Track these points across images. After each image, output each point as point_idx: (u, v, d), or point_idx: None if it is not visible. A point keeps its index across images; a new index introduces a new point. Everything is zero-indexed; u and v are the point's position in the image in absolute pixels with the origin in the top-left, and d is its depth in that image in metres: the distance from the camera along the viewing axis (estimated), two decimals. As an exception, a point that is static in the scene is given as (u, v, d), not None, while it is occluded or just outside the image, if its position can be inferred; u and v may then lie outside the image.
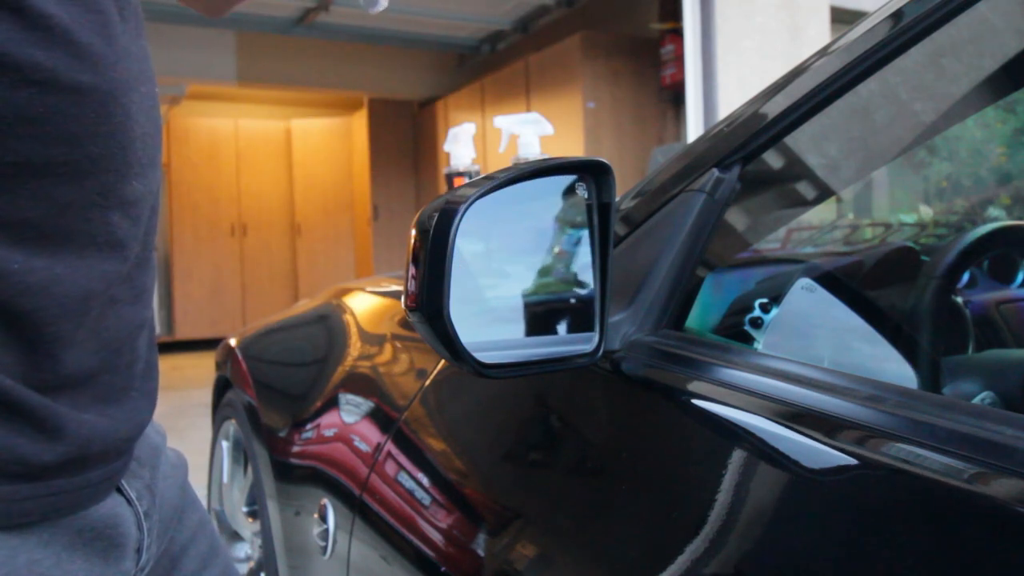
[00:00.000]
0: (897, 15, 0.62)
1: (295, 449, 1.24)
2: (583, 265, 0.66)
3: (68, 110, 0.45)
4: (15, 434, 0.46)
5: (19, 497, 0.46)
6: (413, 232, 0.57)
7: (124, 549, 0.55)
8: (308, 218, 8.16)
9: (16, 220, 0.45)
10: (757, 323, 0.76)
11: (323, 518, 1.05)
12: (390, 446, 0.96)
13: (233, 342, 1.72)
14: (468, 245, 0.58)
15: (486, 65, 6.68)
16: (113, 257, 0.50)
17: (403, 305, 0.59)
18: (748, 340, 0.76)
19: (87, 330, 0.49)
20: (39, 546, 0.48)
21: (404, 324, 1.16)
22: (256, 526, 1.58)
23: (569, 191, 0.65)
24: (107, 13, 0.47)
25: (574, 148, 5.01)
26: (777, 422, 0.53)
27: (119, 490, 0.55)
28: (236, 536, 1.71)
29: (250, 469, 1.51)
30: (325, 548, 1.04)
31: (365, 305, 1.38)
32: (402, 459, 0.94)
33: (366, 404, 1.10)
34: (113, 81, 0.48)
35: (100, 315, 0.50)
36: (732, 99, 4.43)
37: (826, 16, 4.92)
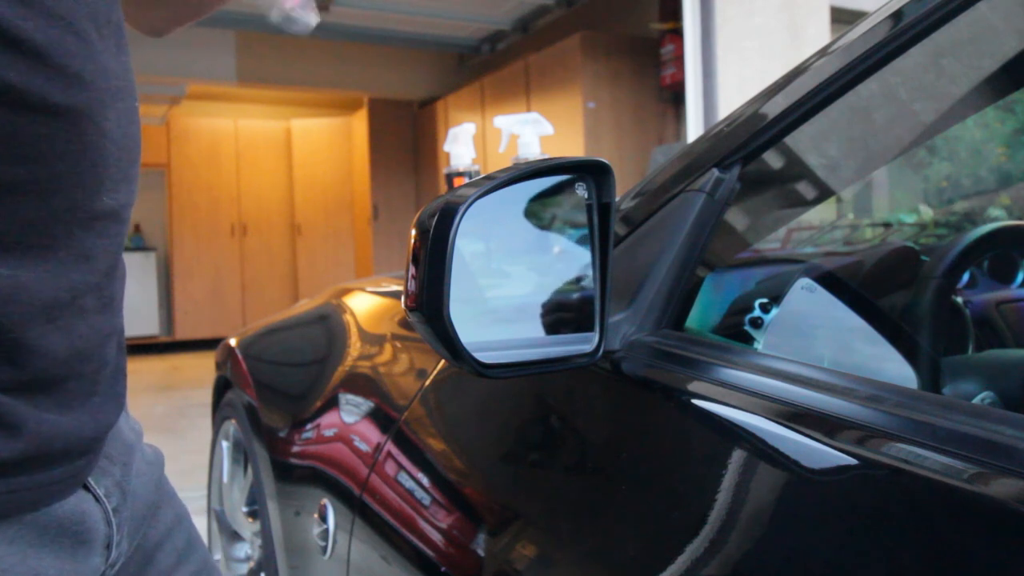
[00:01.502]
0: (897, 15, 0.62)
1: (295, 449, 1.24)
2: (583, 265, 0.66)
3: (38, 130, 0.45)
4: None
5: None
6: (413, 232, 0.57)
7: (92, 545, 0.55)
8: (308, 218, 8.16)
9: None
10: (757, 323, 0.76)
11: (323, 518, 1.06)
12: (390, 446, 0.96)
13: (233, 342, 1.72)
14: (468, 245, 0.58)
15: (486, 65, 6.68)
16: (80, 268, 0.50)
17: (403, 305, 0.59)
18: (748, 340, 0.76)
19: (55, 338, 0.49)
20: (3, 543, 0.48)
21: (404, 324, 1.16)
22: (256, 526, 1.58)
23: (569, 191, 0.65)
24: (84, 33, 0.47)
25: (574, 148, 5.01)
26: (777, 422, 0.53)
27: (86, 487, 0.55)
28: (236, 536, 1.71)
29: (250, 469, 1.51)
30: (325, 548, 1.04)
31: (365, 305, 1.38)
32: (402, 459, 0.94)
33: (366, 404, 1.10)
34: (88, 100, 0.47)
35: (68, 324, 0.50)
36: (732, 99, 4.43)
37: (826, 16, 4.92)
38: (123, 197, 0.53)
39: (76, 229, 0.49)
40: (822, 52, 0.70)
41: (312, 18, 0.47)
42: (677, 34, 4.73)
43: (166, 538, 0.66)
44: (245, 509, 1.64)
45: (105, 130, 0.49)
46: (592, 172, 0.65)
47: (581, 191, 0.65)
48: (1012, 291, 0.99)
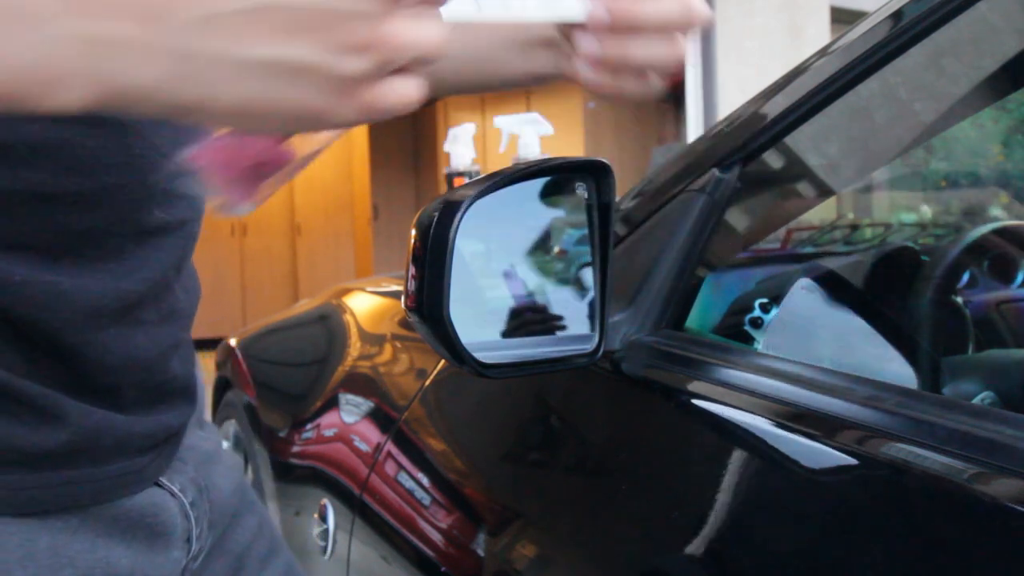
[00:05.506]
0: (897, 15, 0.62)
1: (295, 449, 1.24)
2: (583, 265, 0.66)
3: (83, 141, 0.44)
4: (13, 423, 0.46)
5: (24, 486, 0.46)
6: (413, 232, 0.57)
7: (170, 538, 0.55)
8: (308, 218, 8.16)
9: (19, 243, 0.44)
10: (757, 323, 0.76)
11: (323, 518, 1.06)
12: (390, 446, 0.96)
13: (233, 342, 1.72)
14: (468, 245, 0.58)
15: (486, 65, 6.66)
16: (131, 279, 0.49)
17: (403, 305, 0.59)
18: (748, 340, 0.76)
19: (106, 346, 0.49)
20: (64, 531, 0.48)
21: (404, 324, 1.16)
22: (256, 526, 1.58)
23: (569, 191, 0.65)
24: None
25: (574, 148, 5.01)
26: (777, 422, 0.53)
27: (159, 484, 0.55)
28: (236, 536, 1.71)
29: (250, 469, 1.51)
30: (325, 548, 1.04)
31: (365, 305, 1.38)
32: (402, 459, 0.94)
33: (366, 404, 1.10)
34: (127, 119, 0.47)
35: (123, 334, 0.50)
36: (732, 99, 4.43)
37: (826, 16, 4.92)
38: (181, 212, 0.52)
39: (128, 242, 0.48)
40: (822, 52, 0.70)
41: (246, 207, 0.44)
42: (677, 34, 4.72)
43: (252, 545, 0.66)
44: (245, 509, 1.64)
45: (156, 144, 0.48)
46: (592, 172, 0.65)
47: (581, 191, 0.65)
48: (1012, 291, 0.99)
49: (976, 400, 0.74)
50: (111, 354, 0.49)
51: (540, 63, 0.56)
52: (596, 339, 0.65)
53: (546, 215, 0.66)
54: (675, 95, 4.93)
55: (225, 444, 1.72)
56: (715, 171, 0.71)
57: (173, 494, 0.56)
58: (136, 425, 0.52)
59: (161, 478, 0.55)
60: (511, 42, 0.58)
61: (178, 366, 0.56)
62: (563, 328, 0.66)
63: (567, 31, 0.50)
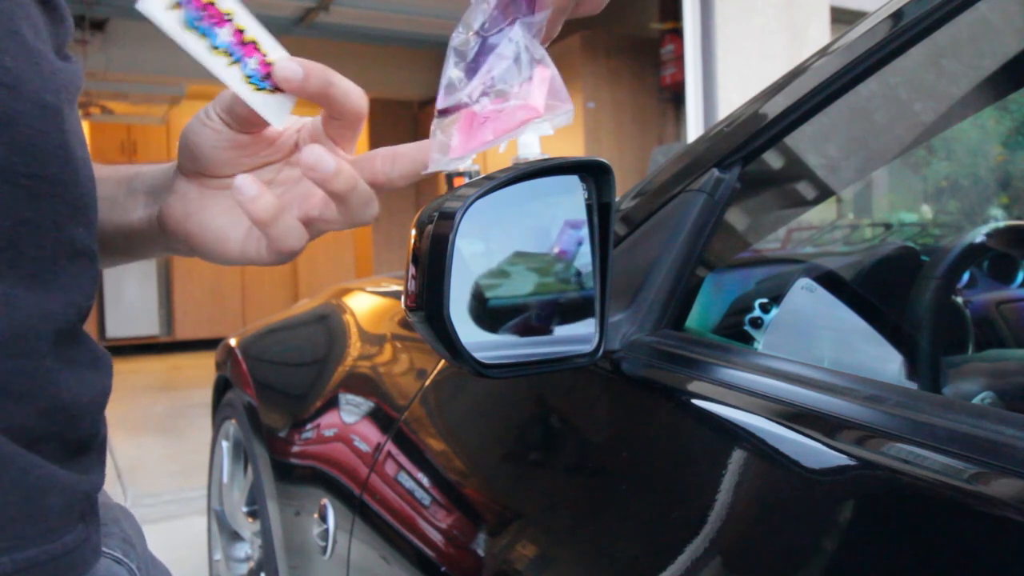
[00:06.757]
0: (897, 15, 0.62)
1: (295, 449, 1.24)
2: (583, 265, 0.65)
3: (33, 123, 0.43)
4: None
5: None
6: (413, 232, 0.57)
7: None
8: (308, 218, 8.16)
9: None
10: (757, 323, 0.76)
11: (323, 518, 1.06)
12: (390, 446, 0.96)
13: (233, 342, 1.72)
14: (468, 245, 0.58)
15: (486, 65, 6.67)
16: (59, 300, 0.45)
17: (403, 305, 0.59)
18: (748, 340, 0.76)
19: (32, 381, 0.43)
20: None
21: (404, 324, 1.16)
22: (256, 526, 1.58)
23: (569, 191, 0.65)
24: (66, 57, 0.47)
25: (574, 148, 5.01)
26: (777, 422, 0.53)
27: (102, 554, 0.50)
28: (236, 536, 1.71)
29: (250, 469, 1.51)
30: (325, 548, 1.04)
31: (365, 305, 1.38)
32: (402, 459, 0.94)
33: (366, 404, 1.10)
34: (73, 115, 0.46)
35: (50, 369, 0.44)
36: (732, 99, 4.44)
37: (826, 16, 4.93)
38: (93, 242, 0.49)
39: (62, 257, 0.45)
40: (822, 52, 0.70)
41: (454, 161, 0.50)
42: (677, 34, 4.73)
43: None
44: (245, 509, 1.64)
45: (81, 157, 0.47)
46: (592, 172, 0.65)
47: (581, 191, 0.65)
48: (1012, 291, 0.99)
49: (976, 400, 0.74)
50: (37, 392, 0.43)
51: (138, 212, 0.59)
52: (596, 339, 0.65)
53: (546, 215, 0.66)
54: (675, 95, 4.94)
55: (225, 444, 1.72)
56: (715, 171, 0.71)
57: (119, 561, 0.51)
58: (77, 483, 0.45)
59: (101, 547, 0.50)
60: (125, 185, 0.61)
61: (102, 423, 0.51)
62: (563, 328, 0.66)
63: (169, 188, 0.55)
